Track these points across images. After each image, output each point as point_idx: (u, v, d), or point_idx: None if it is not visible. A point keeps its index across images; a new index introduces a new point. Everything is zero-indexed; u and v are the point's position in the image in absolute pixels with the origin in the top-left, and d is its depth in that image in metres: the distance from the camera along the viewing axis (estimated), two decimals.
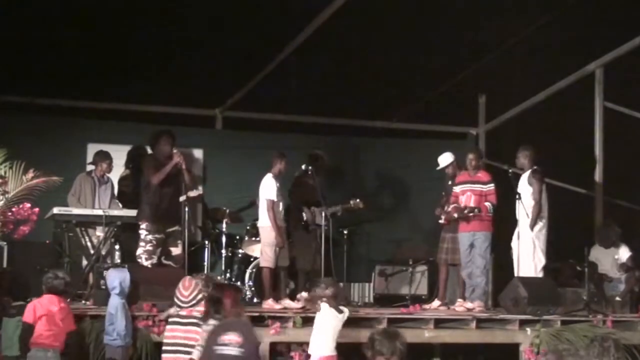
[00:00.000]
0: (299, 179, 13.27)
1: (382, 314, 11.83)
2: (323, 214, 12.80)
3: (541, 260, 12.80)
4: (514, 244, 12.83)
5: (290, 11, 12.32)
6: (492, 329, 11.84)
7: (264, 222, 12.41)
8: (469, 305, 12.62)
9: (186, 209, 12.08)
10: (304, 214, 12.83)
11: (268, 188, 12.44)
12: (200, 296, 9.04)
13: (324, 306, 9.54)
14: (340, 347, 9.72)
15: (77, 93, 14.52)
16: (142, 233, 11.84)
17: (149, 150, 12.78)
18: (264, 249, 12.44)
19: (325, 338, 9.52)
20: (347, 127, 16.24)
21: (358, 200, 13.44)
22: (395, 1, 12.25)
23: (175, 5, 12.11)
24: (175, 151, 12.09)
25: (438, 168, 13.42)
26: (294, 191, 13.28)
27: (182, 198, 12.11)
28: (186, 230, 12.12)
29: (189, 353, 8.37)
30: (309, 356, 10.36)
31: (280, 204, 12.52)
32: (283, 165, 12.58)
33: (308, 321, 11.25)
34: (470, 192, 12.81)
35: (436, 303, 13.04)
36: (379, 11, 12.37)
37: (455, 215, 12.79)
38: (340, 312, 9.58)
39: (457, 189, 12.91)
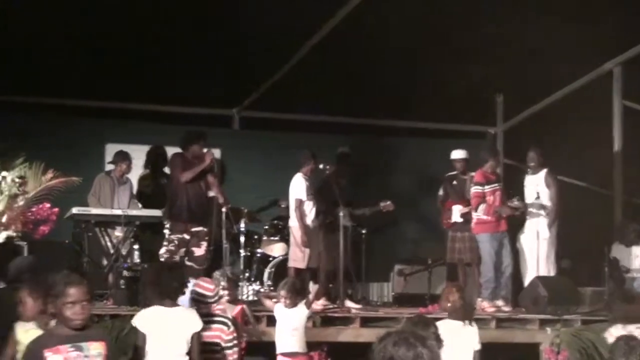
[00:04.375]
0: (326, 179, 13.27)
1: (401, 313, 11.83)
2: (349, 215, 12.89)
3: (555, 261, 12.83)
4: (530, 243, 12.83)
5: (308, 9, 12.30)
6: (512, 329, 11.83)
7: (293, 222, 12.45)
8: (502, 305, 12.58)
9: (223, 209, 12.14)
10: (331, 215, 12.82)
11: (297, 187, 12.51)
12: (220, 293, 9.03)
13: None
14: (359, 346, 9.71)
15: (95, 93, 14.55)
16: (166, 232, 11.85)
17: (168, 150, 12.79)
18: (292, 248, 12.49)
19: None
20: (364, 126, 16.24)
21: (389, 202, 13.43)
22: (415, 1, 12.22)
23: (193, 5, 12.12)
24: (206, 151, 12.08)
25: (452, 157, 13.50)
26: (322, 191, 13.27)
27: (211, 193, 12.13)
28: (223, 229, 12.20)
29: (214, 352, 8.34)
30: (327, 356, 10.43)
31: (310, 203, 12.54)
32: (313, 165, 12.61)
33: (327, 321, 11.29)
34: (499, 192, 12.80)
35: None
36: (397, 9, 12.35)
37: (504, 214, 12.75)
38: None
39: (486, 189, 12.81)
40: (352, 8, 12.17)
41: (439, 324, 7.94)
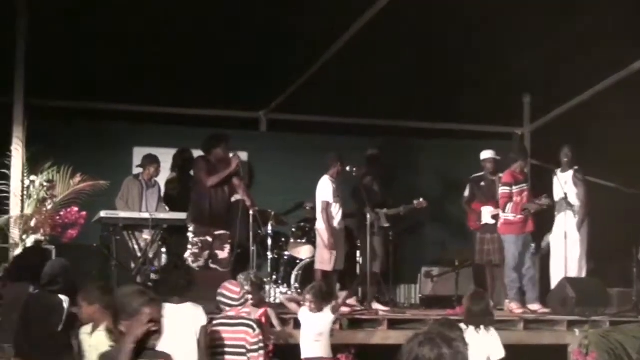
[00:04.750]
0: (361, 181, 13.30)
1: (429, 315, 11.81)
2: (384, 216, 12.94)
3: (585, 261, 12.77)
4: (559, 244, 12.79)
5: (334, 11, 12.30)
6: (540, 330, 11.78)
7: (320, 224, 12.47)
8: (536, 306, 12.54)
9: (250, 212, 12.18)
10: (368, 217, 12.83)
11: (324, 189, 12.51)
12: (246, 296, 9.04)
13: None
14: (387, 349, 9.71)
15: (122, 97, 14.60)
16: (190, 235, 11.87)
17: (195, 153, 12.82)
18: (319, 250, 12.50)
19: None
20: (391, 127, 16.19)
21: (422, 199, 13.44)
22: (439, 3, 12.18)
23: (220, 8, 12.14)
24: (232, 155, 12.12)
25: (481, 157, 13.50)
26: (357, 193, 13.30)
27: (237, 196, 12.16)
28: (251, 232, 12.24)
29: (239, 354, 8.34)
30: (354, 359, 10.41)
31: (337, 205, 12.55)
32: (341, 167, 12.62)
33: (355, 324, 11.29)
34: (527, 193, 12.77)
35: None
36: (423, 10, 12.33)
37: (532, 210, 12.71)
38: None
39: (514, 189, 12.77)
40: (379, 10, 12.16)
41: None
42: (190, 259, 11.80)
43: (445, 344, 4.16)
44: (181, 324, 8.01)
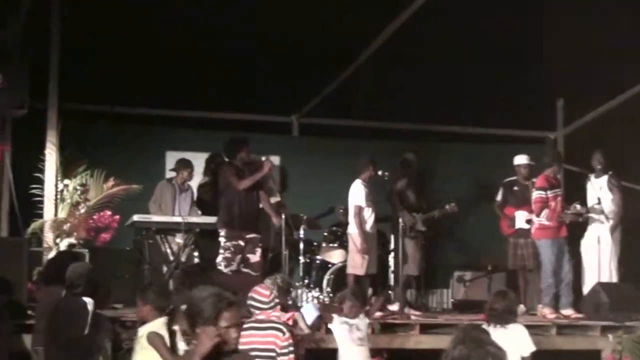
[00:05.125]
0: (395, 185, 13.30)
1: (461, 320, 11.77)
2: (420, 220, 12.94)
3: (617, 267, 12.71)
4: (591, 249, 12.74)
5: (367, 15, 12.31)
6: (573, 336, 11.72)
7: (352, 228, 12.47)
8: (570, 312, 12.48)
9: (283, 216, 12.24)
10: (400, 221, 12.84)
11: (356, 194, 12.51)
12: (277, 300, 9.03)
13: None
14: (419, 353, 9.69)
15: (154, 101, 14.68)
16: (222, 240, 11.88)
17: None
18: (351, 255, 12.50)
19: None
20: (423, 132, 16.16)
21: (453, 204, 13.42)
22: (472, 6, 12.15)
23: (253, 14, 12.17)
24: (265, 159, 12.17)
25: (515, 163, 13.45)
26: (392, 197, 13.30)
27: (261, 205, 12.20)
28: (283, 236, 12.31)
29: (269, 358, 8.34)
30: None
31: (370, 209, 12.55)
32: (373, 171, 12.63)
33: (387, 328, 11.28)
34: (560, 197, 12.72)
35: (522, 309, 12.86)
36: (455, 15, 12.31)
37: (567, 220, 12.67)
38: None
39: (549, 194, 12.73)
40: (412, 13, 12.15)
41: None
42: (222, 264, 11.82)
43: (488, 343, 4.19)
44: None
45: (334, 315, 9.86)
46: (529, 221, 13.09)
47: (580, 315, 12.29)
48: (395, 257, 13.33)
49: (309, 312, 9.94)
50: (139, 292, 8.30)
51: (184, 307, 5.00)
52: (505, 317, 8.95)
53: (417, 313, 12.53)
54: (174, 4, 11.95)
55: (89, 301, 8.70)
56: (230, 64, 13.48)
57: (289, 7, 12.09)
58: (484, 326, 8.60)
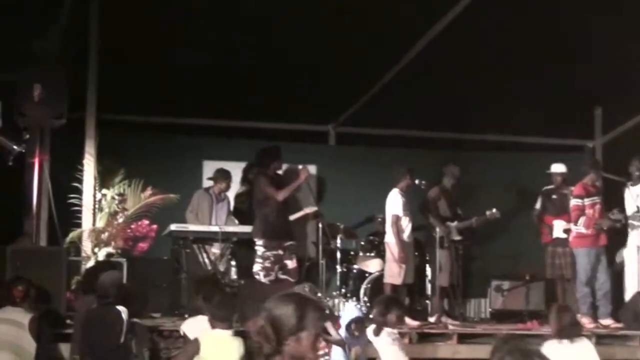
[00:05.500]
0: (430, 194, 13.29)
1: (499, 329, 11.72)
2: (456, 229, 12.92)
3: None
4: (632, 257, 12.64)
5: (402, 24, 12.30)
6: (612, 345, 11.62)
7: (390, 238, 12.46)
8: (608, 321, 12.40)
9: (319, 225, 12.26)
10: (438, 230, 12.81)
11: (393, 203, 12.52)
12: None
13: None
14: None
15: (192, 111, 14.72)
16: (260, 249, 11.90)
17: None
18: (388, 264, 12.48)
19: None
20: (460, 141, 16.12)
21: (494, 210, 13.38)
22: (510, 14, 12.11)
23: (291, 24, 12.20)
24: (301, 167, 12.20)
25: (549, 171, 13.40)
26: (424, 207, 13.28)
27: (293, 217, 12.23)
28: (320, 246, 12.35)
29: None
30: None
31: (407, 219, 12.54)
32: (410, 181, 12.62)
33: (424, 337, 11.24)
34: (599, 205, 12.65)
35: None
36: (492, 23, 12.27)
37: (605, 227, 12.60)
38: None
39: (586, 202, 12.66)
40: (448, 22, 12.13)
41: (547, 344, 8.13)
42: (261, 273, 11.84)
43: (525, 355, 4.15)
44: None
45: (384, 328, 9.66)
46: (566, 230, 13.03)
47: (619, 325, 12.20)
48: (431, 267, 13.33)
49: (349, 312, 9.89)
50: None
51: (261, 320, 4.48)
52: (571, 331, 8.87)
53: (455, 322, 12.49)
54: (211, 15, 11.97)
55: (122, 310, 8.75)
56: (268, 74, 13.50)
57: (327, 16, 12.12)
58: (550, 342, 8.59)
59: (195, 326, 8.51)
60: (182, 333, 8.51)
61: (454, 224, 13.33)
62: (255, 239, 12.00)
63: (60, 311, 10.37)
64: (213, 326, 8.31)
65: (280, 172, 12.64)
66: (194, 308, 8.87)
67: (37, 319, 9.09)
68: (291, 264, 11.96)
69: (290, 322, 4.37)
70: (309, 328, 4.40)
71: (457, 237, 13.27)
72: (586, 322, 12.27)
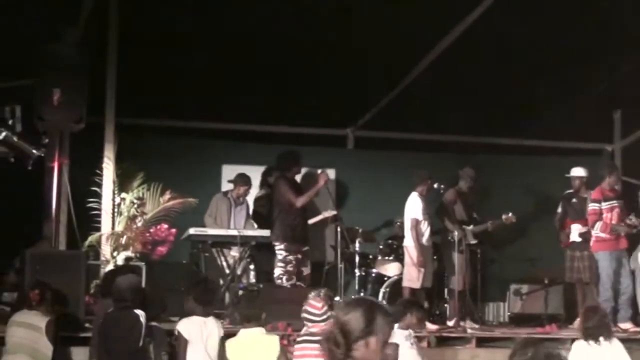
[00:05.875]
0: (446, 198, 13.27)
1: (518, 333, 11.70)
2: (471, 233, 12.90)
3: None
4: None
5: (420, 29, 12.30)
6: (631, 350, 11.47)
7: (409, 241, 12.45)
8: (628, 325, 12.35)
9: (338, 229, 12.27)
10: (454, 234, 12.80)
11: (413, 207, 12.52)
12: (330, 312, 9.01)
13: None
14: None
15: (211, 115, 14.74)
16: (282, 254, 11.92)
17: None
18: (407, 268, 12.48)
19: None
20: (478, 144, 16.08)
21: (510, 214, 13.37)
22: (527, 18, 12.09)
23: (309, 30, 12.21)
24: (320, 172, 12.22)
25: (568, 175, 13.36)
26: (440, 210, 13.27)
27: (312, 221, 12.24)
28: (339, 249, 12.35)
29: None
30: None
31: (426, 223, 12.53)
32: (429, 184, 12.62)
33: (443, 341, 11.22)
34: (618, 209, 12.60)
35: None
36: (512, 27, 12.26)
37: (622, 232, 12.55)
38: None
39: (603, 206, 12.62)
40: (466, 27, 12.12)
41: (575, 344, 8.39)
42: (283, 277, 11.86)
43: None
44: (207, 336, 8.58)
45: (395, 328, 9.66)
46: (582, 234, 12.99)
47: (638, 329, 12.15)
48: (446, 271, 13.31)
49: None
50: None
51: (331, 325, 4.44)
52: (600, 333, 8.86)
53: (474, 326, 12.46)
54: (229, 19, 12.00)
55: (140, 313, 8.77)
56: (287, 78, 13.52)
57: (345, 21, 12.13)
58: (578, 342, 8.70)
59: (190, 326, 8.57)
60: (176, 332, 8.56)
61: (470, 227, 13.32)
62: (276, 243, 12.02)
63: (78, 314, 10.39)
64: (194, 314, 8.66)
65: (299, 176, 12.68)
66: (186, 309, 8.94)
67: (54, 322, 9.12)
68: (306, 270, 12.00)
69: (359, 327, 4.30)
70: (378, 333, 4.33)
71: (473, 241, 13.26)
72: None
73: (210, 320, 8.61)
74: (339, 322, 4.37)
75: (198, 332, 8.47)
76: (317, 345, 8.38)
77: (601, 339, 8.80)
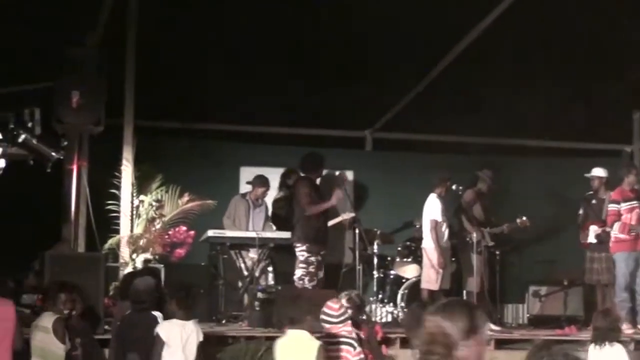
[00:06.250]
0: (464, 200, 13.26)
1: (537, 335, 11.66)
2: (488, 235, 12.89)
3: None
4: None
5: (438, 31, 12.29)
6: None
7: (428, 243, 12.42)
8: None
9: (357, 231, 12.27)
10: (473, 235, 12.78)
11: (432, 208, 12.49)
12: (346, 314, 9.00)
13: None
14: None
15: (229, 117, 14.76)
16: (304, 255, 11.94)
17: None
18: (426, 270, 12.46)
19: None
20: (497, 146, 16.01)
21: (525, 218, 13.35)
22: (548, 20, 12.07)
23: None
24: (338, 173, 12.28)
25: (588, 174, 13.33)
26: (459, 212, 13.26)
27: (330, 223, 12.24)
28: (357, 251, 12.42)
29: None
30: None
31: (445, 224, 12.52)
32: (448, 186, 12.60)
33: None
34: (638, 210, 12.54)
35: None
36: (530, 29, 12.24)
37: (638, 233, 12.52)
38: None
39: (622, 206, 12.58)
40: (484, 28, 12.11)
41: (590, 348, 8.34)
42: (305, 279, 11.88)
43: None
44: (186, 339, 8.59)
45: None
46: (598, 235, 12.95)
47: None
48: (463, 273, 13.28)
49: None
50: None
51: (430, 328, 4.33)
52: (609, 336, 8.82)
53: (495, 328, 12.42)
54: (245, 22, 12.01)
55: (158, 315, 8.80)
56: (305, 80, 13.52)
57: (363, 24, 12.12)
58: (591, 346, 8.65)
59: (170, 329, 8.59)
60: (155, 334, 8.57)
61: (487, 229, 13.29)
62: (298, 244, 12.03)
63: (98, 315, 10.40)
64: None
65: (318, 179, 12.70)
66: (167, 312, 8.97)
67: (61, 320, 9.08)
68: (321, 273, 12.02)
69: (460, 328, 4.26)
70: (479, 333, 4.30)
71: (490, 243, 13.23)
72: (625, 327, 12.15)
73: (190, 324, 8.61)
74: (439, 324, 4.28)
75: (177, 335, 8.50)
76: (336, 347, 8.39)
77: (606, 343, 8.75)
